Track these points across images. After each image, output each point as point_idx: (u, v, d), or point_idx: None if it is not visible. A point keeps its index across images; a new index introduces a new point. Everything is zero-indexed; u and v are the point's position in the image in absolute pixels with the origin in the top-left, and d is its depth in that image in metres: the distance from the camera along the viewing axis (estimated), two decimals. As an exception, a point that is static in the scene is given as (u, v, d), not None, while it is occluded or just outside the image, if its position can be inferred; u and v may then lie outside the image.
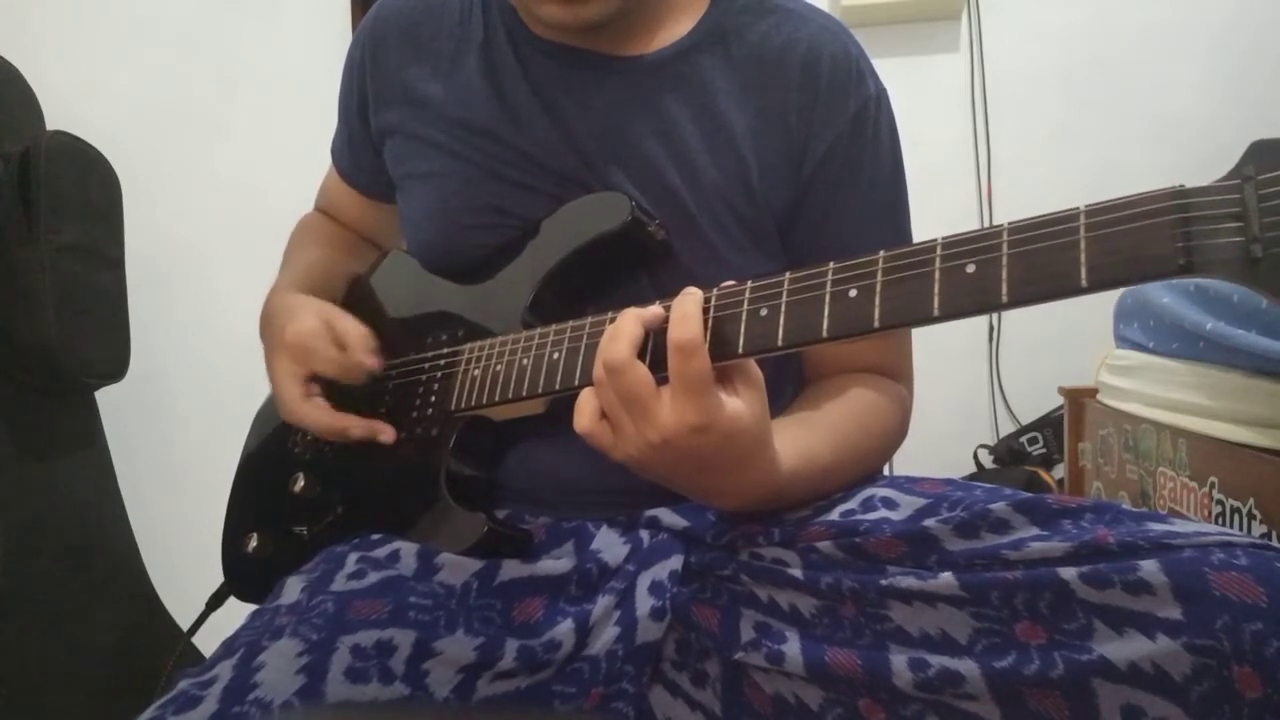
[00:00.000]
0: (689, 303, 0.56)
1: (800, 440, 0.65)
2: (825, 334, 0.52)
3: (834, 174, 0.75)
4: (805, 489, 0.66)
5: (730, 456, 0.57)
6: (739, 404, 0.56)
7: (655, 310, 0.58)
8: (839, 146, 0.74)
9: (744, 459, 0.58)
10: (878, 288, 0.51)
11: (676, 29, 0.77)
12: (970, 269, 0.48)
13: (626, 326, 0.57)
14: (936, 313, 0.49)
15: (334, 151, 0.95)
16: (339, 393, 0.76)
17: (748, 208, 0.74)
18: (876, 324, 0.51)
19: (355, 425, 0.74)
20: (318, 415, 0.75)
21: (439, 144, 0.78)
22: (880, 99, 0.77)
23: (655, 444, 0.56)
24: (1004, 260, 0.47)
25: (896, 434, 0.76)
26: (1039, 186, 2.02)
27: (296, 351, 0.75)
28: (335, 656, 0.56)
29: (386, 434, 0.74)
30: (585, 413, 0.59)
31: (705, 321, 0.56)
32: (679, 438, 0.55)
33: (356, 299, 0.87)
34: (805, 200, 0.75)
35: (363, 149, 0.89)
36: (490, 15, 0.79)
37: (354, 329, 0.75)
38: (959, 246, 0.49)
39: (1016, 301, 0.46)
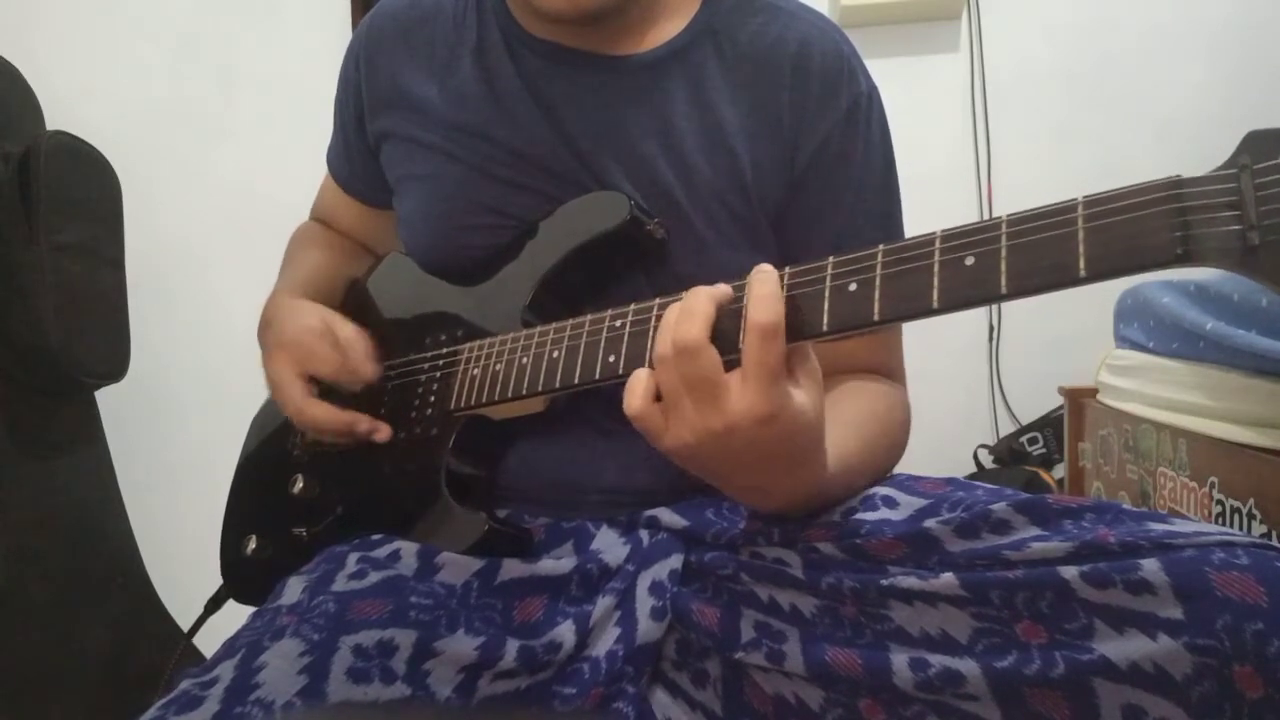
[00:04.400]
0: (771, 281, 0.52)
1: (837, 440, 0.61)
2: (825, 329, 0.52)
3: (826, 170, 0.75)
4: (840, 492, 0.64)
5: (788, 452, 0.55)
6: (804, 397, 0.53)
7: (725, 289, 0.55)
8: (831, 143, 0.75)
9: (801, 456, 0.56)
10: (877, 281, 0.51)
11: (669, 28, 0.77)
12: (969, 261, 0.48)
13: (700, 305, 0.52)
14: (936, 305, 0.49)
15: (330, 160, 0.95)
16: (337, 394, 0.76)
17: (741, 205, 0.74)
18: (876, 317, 0.51)
19: (362, 420, 0.74)
20: (323, 413, 0.75)
21: (435, 146, 0.78)
22: (871, 96, 0.77)
23: (717, 432, 0.52)
24: (1003, 252, 0.47)
25: (906, 433, 0.76)
26: (1039, 186, 1.99)
27: (296, 351, 0.76)
28: (337, 656, 0.56)
29: (383, 432, 0.75)
30: (638, 394, 0.54)
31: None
32: (744, 427, 0.51)
33: (355, 301, 0.87)
34: (798, 197, 0.75)
35: (359, 156, 0.89)
36: (484, 17, 0.79)
37: (354, 336, 0.76)
38: (958, 239, 0.49)
39: (1016, 292, 0.46)
